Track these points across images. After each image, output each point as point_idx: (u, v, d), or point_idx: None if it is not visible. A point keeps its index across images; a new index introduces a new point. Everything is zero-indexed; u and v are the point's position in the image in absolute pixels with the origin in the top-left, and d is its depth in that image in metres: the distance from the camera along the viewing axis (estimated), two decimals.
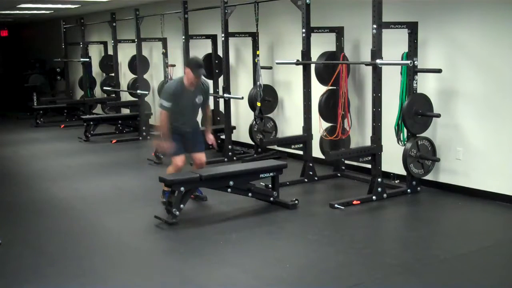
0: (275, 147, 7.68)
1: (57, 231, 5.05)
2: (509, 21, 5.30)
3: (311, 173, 6.54)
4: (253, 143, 8.01)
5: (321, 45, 6.75)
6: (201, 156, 5.60)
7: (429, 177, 6.00)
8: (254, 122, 7.86)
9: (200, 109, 5.62)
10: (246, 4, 7.41)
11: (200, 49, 8.85)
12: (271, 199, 5.56)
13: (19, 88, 15.95)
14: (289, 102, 8.01)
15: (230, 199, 5.59)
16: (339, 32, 6.67)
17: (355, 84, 6.90)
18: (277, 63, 7.11)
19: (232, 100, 7.92)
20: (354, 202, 5.53)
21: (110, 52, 11.77)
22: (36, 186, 6.83)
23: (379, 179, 5.68)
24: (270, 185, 5.65)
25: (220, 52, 8.14)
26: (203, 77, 5.36)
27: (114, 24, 10.80)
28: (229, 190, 5.33)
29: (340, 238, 4.72)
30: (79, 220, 5.35)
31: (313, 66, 6.64)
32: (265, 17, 7.56)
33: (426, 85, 5.94)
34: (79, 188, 6.60)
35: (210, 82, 8.28)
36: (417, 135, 5.81)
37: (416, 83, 5.75)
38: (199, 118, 5.75)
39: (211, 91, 8.51)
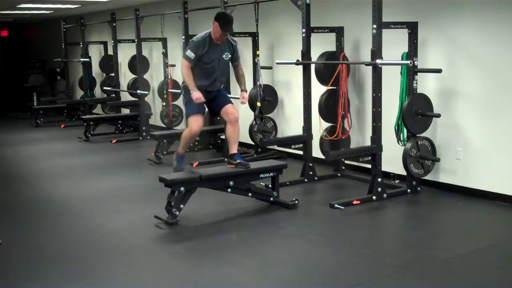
0: (275, 147, 7.68)
1: (57, 231, 5.05)
2: (509, 21, 5.30)
3: (311, 173, 6.54)
4: (253, 143, 8.01)
5: (321, 45, 6.75)
6: (232, 109, 5.37)
7: (429, 177, 6.00)
8: (254, 122, 7.86)
9: (233, 69, 5.46)
10: (246, 4, 7.41)
11: None
12: (271, 199, 5.56)
13: (19, 88, 15.94)
14: (289, 102, 8.01)
15: (230, 199, 5.59)
16: (339, 32, 6.67)
17: (355, 84, 6.90)
18: (277, 63, 7.11)
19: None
20: (354, 202, 5.53)
21: (110, 52, 11.76)
22: (36, 186, 6.83)
23: (379, 179, 5.68)
24: (270, 185, 5.65)
25: None
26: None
27: (114, 24, 10.79)
28: (229, 190, 5.33)
29: (340, 238, 4.72)
30: (79, 220, 5.35)
31: (313, 66, 6.64)
32: (265, 17, 7.55)
33: (426, 85, 5.94)
34: (79, 188, 6.60)
35: None
36: (417, 135, 5.81)
37: (416, 83, 5.75)
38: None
39: None
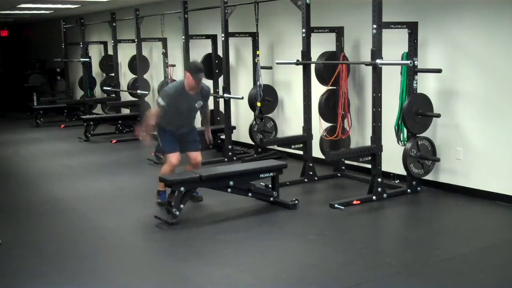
0: (275, 147, 7.68)
1: (57, 231, 5.05)
2: (509, 21, 5.30)
3: (311, 173, 6.54)
4: (253, 143, 8.01)
5: (321, 45, 6.75)
6: (196, 155, 5.59)
7: (429, 177, 6.00)
8: (254, 122, 7.86)
9: (198, 112, 5.61)
10: (246, 4, 7.41)
11: (200, 49, 8.85)
12: (271, 199, 5.56)
13: (19, 88, 15.94)
14: (289, 102, 8.01)
15: (230, 199, 5.59)
16: (339, 32, 6.67)
17: (355, 84, 6.90)
18: (277, 63, 7.11)
19: (232, 100, 7.93)
20: (354, 202, 5.53)
21: (110, 52, 11.78)
22: (36, 186, 6.83)
23: (379, 179, 5.68)
24: (270, 185, 5.65)
25: (220, 52, 8.14)
26: (203, 81, 5.35)
27: (114, 24, 10.80)
28: (229, 190, 5.33)
29: (340, 238, 4.72)
30: (79, 220, 5.36)
31: (313, 66, 6.64)
32: (265, 17, 7.55)
33: (426, 85, 5.94)
34: (79, 188, 6.60)
35: (210, 82, 8.30)
36: (417, 135, 5.81)
37: (416, 83, 5.75)
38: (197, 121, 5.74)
39: (212, 91, 8.55)
